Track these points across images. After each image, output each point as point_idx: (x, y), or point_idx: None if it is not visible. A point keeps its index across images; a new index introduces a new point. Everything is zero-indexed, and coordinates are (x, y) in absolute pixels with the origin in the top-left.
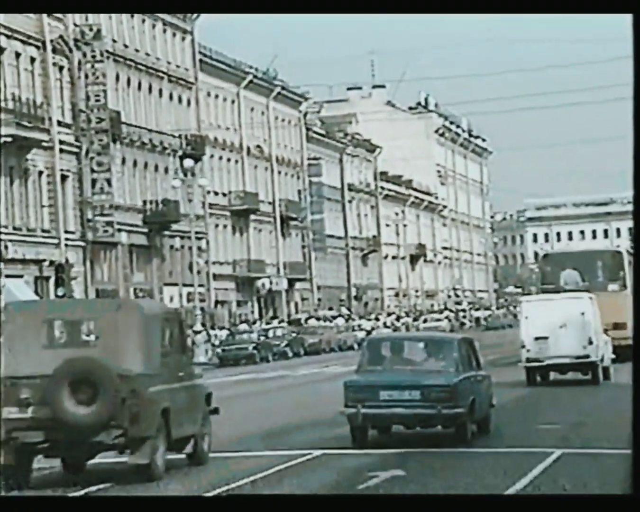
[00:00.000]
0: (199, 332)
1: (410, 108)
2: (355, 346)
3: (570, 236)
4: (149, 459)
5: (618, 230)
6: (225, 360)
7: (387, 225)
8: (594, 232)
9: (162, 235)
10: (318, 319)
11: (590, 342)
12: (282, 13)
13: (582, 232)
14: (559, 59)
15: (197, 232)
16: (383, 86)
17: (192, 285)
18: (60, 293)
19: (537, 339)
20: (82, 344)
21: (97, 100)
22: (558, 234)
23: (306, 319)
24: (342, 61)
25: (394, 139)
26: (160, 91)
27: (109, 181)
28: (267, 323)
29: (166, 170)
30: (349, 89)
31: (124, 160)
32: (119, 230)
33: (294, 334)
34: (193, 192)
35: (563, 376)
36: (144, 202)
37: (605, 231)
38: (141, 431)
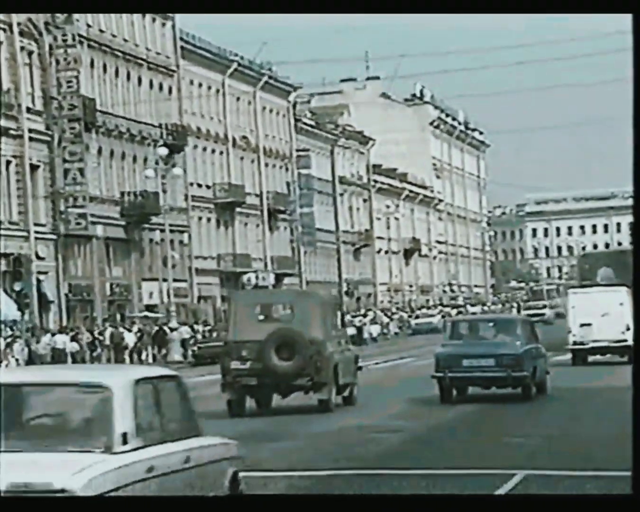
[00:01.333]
0: (175, 329)
1: (406, 100)
2: None
3: (570, 231)
4: (328, 397)
5: (618, 225)
6: (202, 358)
7: (378, 218)
8: (594, 226)
9: (141, 228)
10: None
11: (628, 329)
12: (282, 13)
13: (582, 227)
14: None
15: (178, 226)
16: (377, 78)
17: (173, 280)
18: (17, 288)
19: (582, 325)
20: (284, 319)
21: (70, 87)
22: (558, 229)
23: None
24: (336, 52)
25: (389, 132)
26: (140, 79)
27: (82, 171)
28: None
29: (145, 160)
30: (342, 80)
31: (100, 150)
32: (94, 223)
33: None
34: (167, 182)
35: (603, 357)
36: (122, 193)
37: (606, 226)
38: (322, 378)
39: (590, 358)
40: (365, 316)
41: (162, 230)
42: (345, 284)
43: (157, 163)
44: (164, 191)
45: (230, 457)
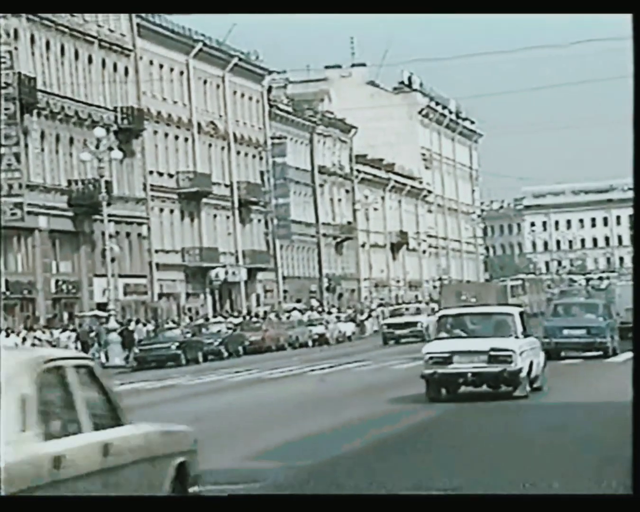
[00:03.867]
0: (113, 330)
1: (395, 89)
2: (310, 343)
3: (569, 224)
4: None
5: (618, 218)
6: (144, 362)
7: (357, 210)
8: (593, 220)
9: (91, 219)
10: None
11: None
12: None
13: (581, 220)
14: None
15: (136, 217)
16: (363, 64)
17: (129, 276)
18: None
19: (627, 310)
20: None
21: (3, 63)
22: (556, 222)
23: (263, 314)
24: (320, 39)
25: (375, 120)
26: (90, 58)
27: (17, 156)
28: (225, 318)
29: (97, 146)
30: (327, 67)
31: (43, 134)
32: (38, 213)
33: (230, 331)
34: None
35: None
36: (69, 182)
37: (605, 219)
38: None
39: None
40: (329, 312)
41: (118, 222)
42: (326, 280)
43: (97, 147)
44: (101, 176)
45: (176, 450)
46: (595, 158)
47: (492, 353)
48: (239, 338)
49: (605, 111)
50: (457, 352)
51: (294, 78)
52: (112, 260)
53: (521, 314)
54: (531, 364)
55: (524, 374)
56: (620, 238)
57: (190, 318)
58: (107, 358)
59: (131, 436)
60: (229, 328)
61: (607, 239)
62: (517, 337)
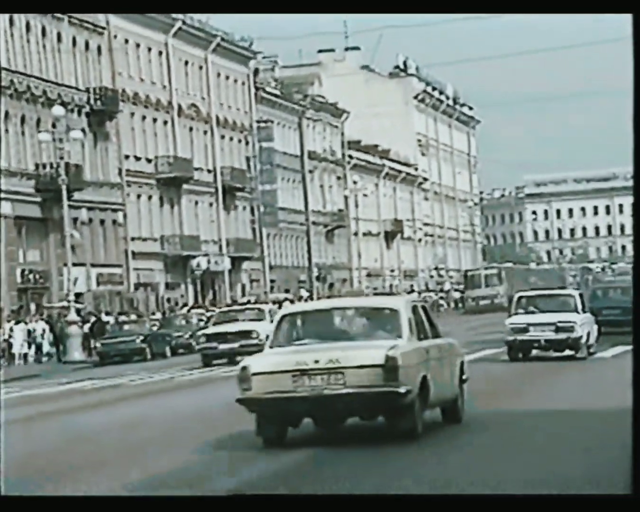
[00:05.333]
0: (74, 322)
1: (391, 74)
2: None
3: (570, 213)
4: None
5: (620, 206)
6: (107, 357)
7: (346, 196)
8: (595, 208)
9: (61, 205)
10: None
11: None
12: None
13: (582, 208)
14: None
15: (111, 203)
16: (357, 48)
17: (103, 265)
18: None
19: None
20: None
21: None
22: (558, 210)
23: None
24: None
25: (370, 106)
26: (59, 35)
27: None
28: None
29: (68, 129)
30: (320, 51)
31: (7, 115)
32: (1, 199)
33: (202, 323)
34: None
35: None
36: (37, 165)
37: (607, 207)
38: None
39: None
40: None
41: (91, 209)
42: (316, 269)
43: (54, 126)
44: (61, 157)
45: (460, 353)
46: (598, 145)
47: (559, 325)
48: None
49: (608, 100)
50: (532, 324)
51: (285, 62)
52: (73, 248)
53: (580, 295)
54: (588, 333)
55: (583, 341)
56: (622, 227)
57: (171, 309)
58: (64, 353)
59: (445, 343)
60: (200, 320)
61: (609, 227)
62: (577, 312)
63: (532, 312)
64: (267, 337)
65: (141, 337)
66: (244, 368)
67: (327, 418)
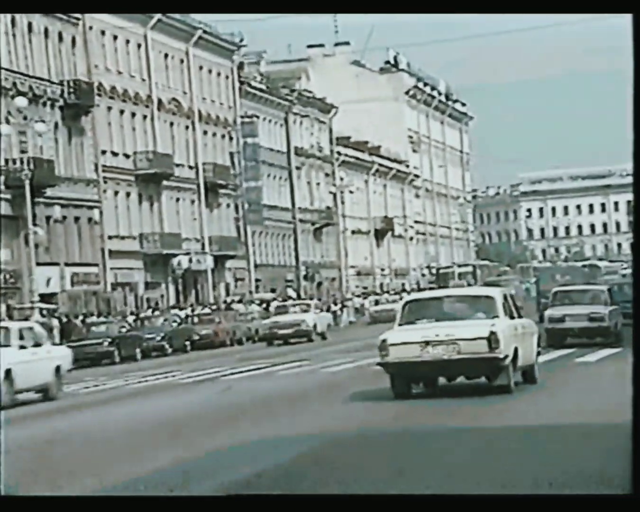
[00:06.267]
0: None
1: (381, 69)
2: (244, 340)
3: (566, 211)
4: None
5: (616, 204)
6: (73, 361)
7: (332, 193)
8: (591, 206)
9: (33, 203)
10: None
11: None
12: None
13: (578, 206)
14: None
15: (87, 200)
16: (347, 43)
17: (78, 264)
18: None
19: None
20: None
21: None
22: (553, 208)
23: (227, 304)
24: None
25: (360, 102)
26: (30, 26)
27: None
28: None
29: (28, 120)
30: (309, 46)
31: None
32: None
33: (174, 324)
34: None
35: None
36: (6, 161)
37: (603, 205)
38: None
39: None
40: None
41: (64, 206)
42: (303, 268)
43: (9, 114)
44: (23, 151)
45: (535, 330)
46: (594, 142)
47: (591, 316)
48: (186, 332)
49: (604, 98)
50: (567, 315)
51: (274, 58)
52: (37, 246)
53: (609, 290)
54: (616, 323)
55: (612, 329)
56: (618, 224)
57: (154, 309)
58: None
59: (526, 322)
60: (174, 321)
61: (605, 225)
62: (606, 305)
63: (567, 304)
64: (315, 325)
65: (109, 340)
66: (384, 340)
67: (444, 377)
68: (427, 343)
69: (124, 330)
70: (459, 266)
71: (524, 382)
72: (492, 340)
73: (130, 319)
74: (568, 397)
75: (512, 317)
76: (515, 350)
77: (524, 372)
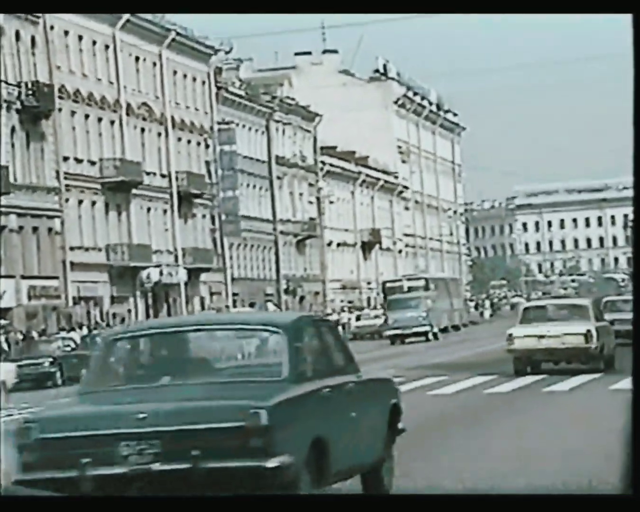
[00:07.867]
0: None
1: (370, 78)
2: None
3: (562, 224)
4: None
5: (613, 218)
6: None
7: (310, 202)
8: (587, 220)
9: None
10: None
11: None
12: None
13: (574, 220)
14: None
15: (47, 209)
16: (335, 51)
17: (36, 277)
18: None
19: None
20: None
21: None
22: (549, 222)
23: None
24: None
25: (347, 111)
26: None
27: None
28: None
29: None
30: (296, 54)
31: None
32: None
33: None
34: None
35: None
36: None
37: (599, 219)
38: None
39: None
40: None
41: (21, 215)
42: (284, 281)
43: None
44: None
45: None
46: (590, 156)
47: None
48: None
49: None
50: (616, 320)
51: (261, 66)
52: None
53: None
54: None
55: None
56: (614, 238)
57: (113, 323)
58: None
59: (607, 322)
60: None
61: (601, 239)
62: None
63: (615, 311)
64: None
65: (50, 360)
66: (510, 334)
67: (552, 361)
68: (541, 336)
69: (68, 349)
70: (409, 279)
71: (605, 368)
72: (587, 336)
73: (76, 335)
74: None
75: (598, 320)
76: (602, 343)
77: (606, 361)
